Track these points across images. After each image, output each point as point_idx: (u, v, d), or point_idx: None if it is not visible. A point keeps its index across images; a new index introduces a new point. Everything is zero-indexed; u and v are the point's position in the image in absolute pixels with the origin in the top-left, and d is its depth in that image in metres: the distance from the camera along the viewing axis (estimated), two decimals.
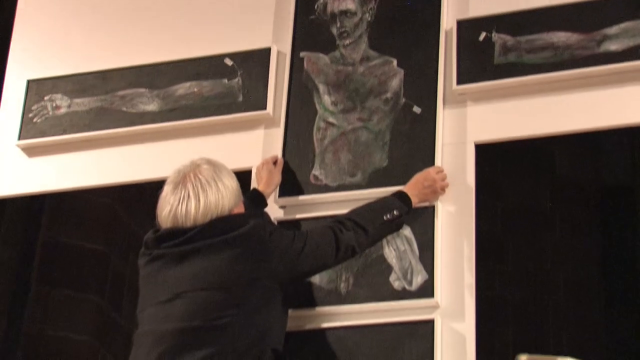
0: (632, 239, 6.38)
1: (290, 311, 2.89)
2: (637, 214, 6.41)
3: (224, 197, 2.74)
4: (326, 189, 3.23)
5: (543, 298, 6.40)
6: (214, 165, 2.80)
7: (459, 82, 3.23)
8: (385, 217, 2.97)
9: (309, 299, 3.09)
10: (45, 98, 3.67)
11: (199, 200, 2.72)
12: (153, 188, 2.85)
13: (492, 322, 6.11)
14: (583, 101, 3.15)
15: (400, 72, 3.31)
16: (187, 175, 2.75)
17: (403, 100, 3.28)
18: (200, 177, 2.74)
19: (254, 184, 3.26)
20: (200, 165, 2.78)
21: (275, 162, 3.27)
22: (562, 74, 3.15)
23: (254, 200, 3.13)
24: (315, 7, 3.47)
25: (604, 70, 3.12)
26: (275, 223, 3.12)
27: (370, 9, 3.42)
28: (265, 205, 3.17)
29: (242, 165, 3.32)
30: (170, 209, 2.73)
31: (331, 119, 3.33)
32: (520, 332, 6.29)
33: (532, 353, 1.79)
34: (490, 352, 5.98)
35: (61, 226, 5.66)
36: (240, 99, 3.45)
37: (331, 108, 3.35)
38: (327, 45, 3.42)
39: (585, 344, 6.20)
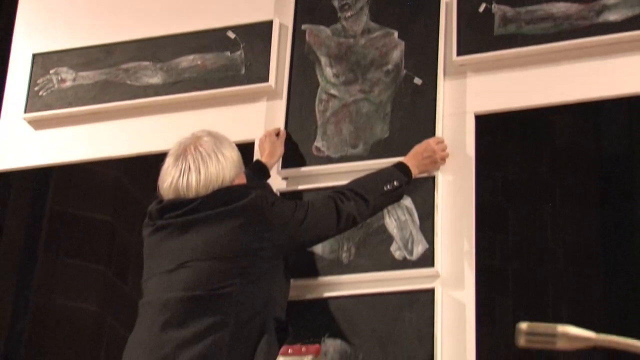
0: (631, 207, 6.38)
1: (292, 281, 2.90)
2: (636, 183, 6.42)
3: (224, 168, 2.74)
4: (328, 160, 3.24)
5: (543, 267, 6.42)
6: (214, 136, 2.79)
7: (459, 53, 3.24)
8: (385, 188, 2.97)
9: (311, 268, 3.11)
10: (51, 71, 3.68)
11: (200, 172, 2.71)
12: (158, 160, 2.85)
13: (492, 292, 6.14)
14: (582, 71, 3.15)
15: (401, 44, 3.32)
16: (188, 148, 2.75)
17: (404, 71, 3.28)
18: (200, 149, 2.74)
19: (257, 156, 3.27)
20: (201, 137, 2.77)
21: (277, 134, 3.28)
22: (561, 45, 3.16)
23: (257, 171, 3.14)
24: None
25: (603, 40, 3.12)
26: (278, 194, 3.14)
27: None
28: (268, 176, 3.19)
29: (245, 137, 3.33)
30: (172, 181, 2.73)
31: (333, 91, 3.34)
32: (520, 302, 6.31)
33: (532, 322, 1.81)
34: (490, 321, 6.01)
35: (68, 197, 5.68)
36: (243, 71, 3.46)
37: (333, 80, 3.36)
38: (328, 17, 3.42)
39: (585, 313, 6.23)
